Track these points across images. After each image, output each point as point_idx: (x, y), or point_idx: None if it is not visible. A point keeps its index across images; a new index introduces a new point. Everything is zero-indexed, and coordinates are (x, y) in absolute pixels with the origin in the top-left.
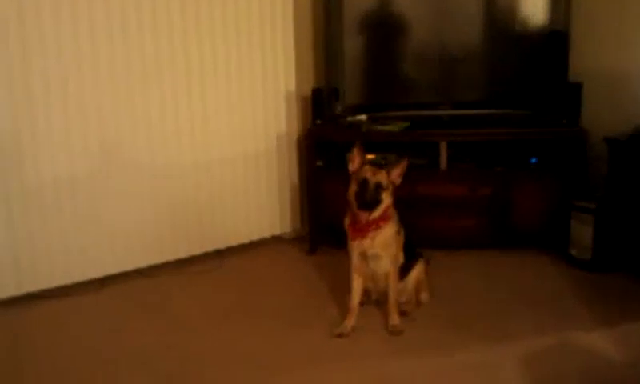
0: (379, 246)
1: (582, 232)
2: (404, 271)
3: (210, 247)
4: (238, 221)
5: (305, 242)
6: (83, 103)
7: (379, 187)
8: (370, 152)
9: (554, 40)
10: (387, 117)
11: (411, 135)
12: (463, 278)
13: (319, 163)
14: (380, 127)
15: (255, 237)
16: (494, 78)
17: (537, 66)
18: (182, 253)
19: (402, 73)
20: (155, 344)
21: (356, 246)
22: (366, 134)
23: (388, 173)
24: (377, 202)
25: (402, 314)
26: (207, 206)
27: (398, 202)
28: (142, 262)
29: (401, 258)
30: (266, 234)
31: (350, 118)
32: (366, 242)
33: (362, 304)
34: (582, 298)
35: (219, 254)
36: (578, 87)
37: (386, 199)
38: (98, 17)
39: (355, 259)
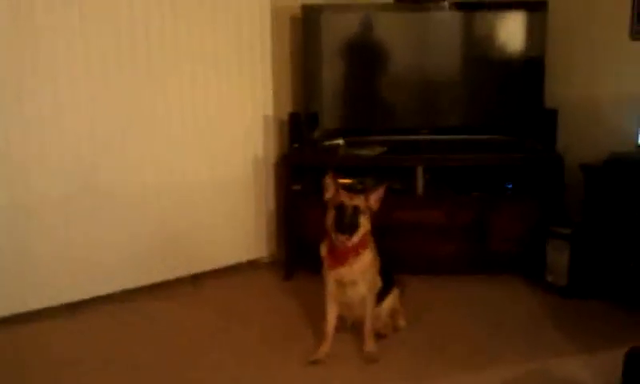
0: (357, 272)
1: (558, 258)
2: (379, 297)
3: (185, 272)
4: (214, 245)
5: (281, 267)
6: (59, 125)
7: (357, 211)
8: (347, 176)
9: (531, 67)
10: (365, 141)
11: (388, 160)
12: (440, 304)
13: (296, 187)
14: (357, 151)
15: (231, 261)
16: (471, 104)
17: (513, 92)
18: (157, 277)
19: (380, 98)
20: (129, 369)
21: (333, 274)
22: (343, 158)
23: (366, 197)
24: (355, 226)
25: (380, 336)
26: (183, 230)
27: (374, 228)
28: (116, 287)
29: (378, 283)
30: (242, 258)
31: (327, 143)
32: (344, 270)
33: (337, 330)
34: (558, 325)
35: (195, 278)
36: (553, 113)
37: (365, 224)
38: (77, 42)
39: (331, 286)
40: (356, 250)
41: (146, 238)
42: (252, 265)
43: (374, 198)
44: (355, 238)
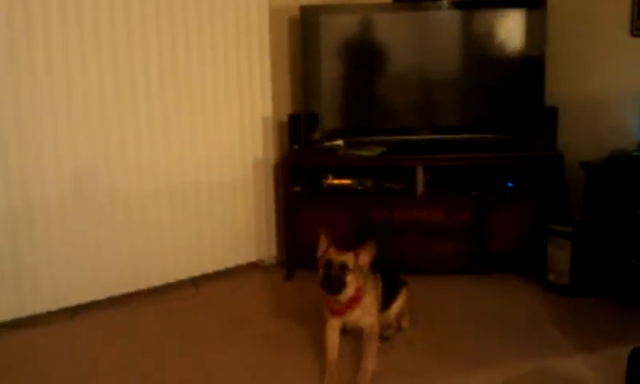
0: (358, 315)
1: (560, 256)
2: (388, 301)
3: (185, 274)
4: (214, 247)
5: (282, 268)
6: (57, 129)
7: (344, 268)
8: (347, 177)
9: (530, 65)
10: (365, 142)
11: (388, 160)
12: (441, 304)
13: (296, 189)
14: (357, 152)
15: (231, 263)
16: (471, 103)
17: (514, 91)
18: (158, 281)
19: (380, 98)
20: (130, 373)
21: (336, 321)
22: (343, 159)
23: (355, 254)
24: (342, 284)
25: (383, 338)
26: (182, 233)
27: (375, 227)
28: (117, 291)
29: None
30: (243, 260)
31: (327, 144)
32: (346, 316)
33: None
34: (560, 323)
35: (195, 281)
36: (553, 112)
37: (353, 282)
38: (73, 42)
39: (333, 331)
40: (351, 306)
41: (146, 242)
42: (253, 266)
43: (364, 255)
44: (343, 298)
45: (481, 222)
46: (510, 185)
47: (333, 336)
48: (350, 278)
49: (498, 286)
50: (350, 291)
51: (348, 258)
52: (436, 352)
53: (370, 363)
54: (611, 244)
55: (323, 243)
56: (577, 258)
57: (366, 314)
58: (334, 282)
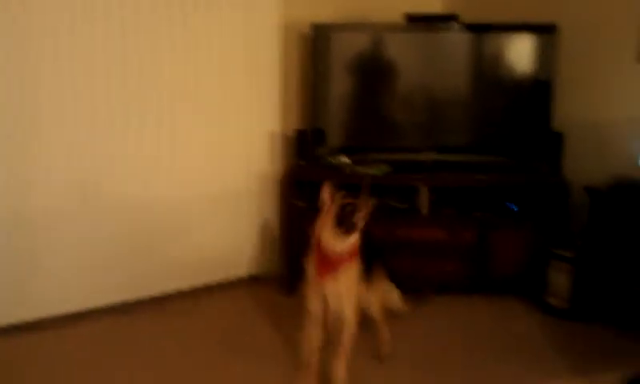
0: (343, 288)
1: (560, 280)
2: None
3: (185, 285)
4: (216, 259)
5: (283, 282)
6: (59, 137)
7: (355, 209)
8: (352, 195)
9: (538, 89)
10: (371, 159)
11: (393, 179)
12: (440, 324)
13: (301, 204)
14: (363, 170)
15: (232, 276)
16: (478, 125)
17: (520, 113)
18: (157, 290)
19: (387, 116)
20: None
21: (318, 289)
22: (349, 176)
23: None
24: (354, 225)
25: (379, 359)
26: (185, 243)
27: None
28: (115, 299)
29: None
30: (244, 273)
31: (333, 160)
32: (331, 284)
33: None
34: (559, 348)
35: (195, 292)
36: (559, 136)
37: (360, 225)
38: (77, 53)
39: (314, 304)
40: (349, 259)
41: (147, 251)
42: (253, 280)
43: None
44: (352, 238)
45: (483, 244)
46: (513, 207)
47: (316, 331)
48: (358, 220)
49: (497, 307)
50: (354, 238)
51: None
52: (433, 373)
53: (347, 345)
54: (613, 270)
55: (327, 191)
56: (577, 283)
57: (349, 291)
58: (348, 220)
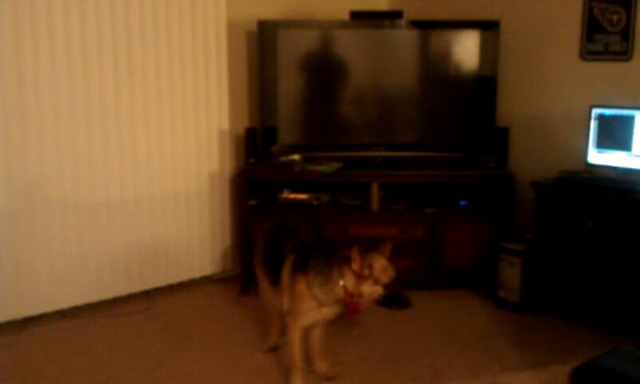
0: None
1: (511, 274)
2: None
3: (137, 288)
4: (167, 260)
5: (236, 282)
6: (7, 138)
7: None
8: (303, 192)
9: (484, 85)
10: (322, 157)
11: (343, 175)
12: (394, 319)
13: (252, 202)
14: (313, 167)
15: (185, 277)
16: (426, 121)
17: (466, 109)
18: (109, 293)
19: (337, 114)
20: None
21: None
22: (299, 173)
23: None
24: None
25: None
26: (135, 245)
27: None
28: (65, 303)
29: None
30: (196, 274)
31: (283, 158)
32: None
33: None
34: (511, 340)
35: (147, 294)
36: (505, 131)
37: None
38: (26, 51)
39: (308, 319)
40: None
41: (97, 254)
42: (207, 280)
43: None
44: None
45: (434, 239)
46: (463, 202)
47: (300, 340)
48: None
49: (450, 301)
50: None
51: (390, 264)
52: (389, 367)
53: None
54: (560, 262)
55: (357, 258)
56: (527, 276)
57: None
58: (406, 297)
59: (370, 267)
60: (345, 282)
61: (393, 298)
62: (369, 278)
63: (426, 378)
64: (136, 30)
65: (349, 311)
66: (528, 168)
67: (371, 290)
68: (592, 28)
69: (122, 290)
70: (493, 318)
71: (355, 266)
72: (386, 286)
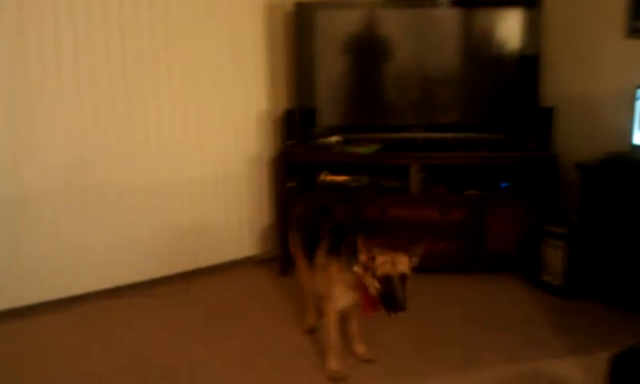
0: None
1: (554, 257)
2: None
3: (179, 269)
4: (207, 242)
5: (275, 263)
6: (53, 120)
7: (404, 279)
8: (342, 174)
9: (526, 64)
10: (361, 138)
11: (382, 157)
12: (433, 303)
13: (291, 184)
14: (352, 149)
15: (225, 258)
16: (467, 102)
17: (510, 89)
18: (151, 274)
19: (376, 95)
20: (117, 366)
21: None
22: (338, 155)
23: (410, 256)
24: (405, 298)
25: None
26: (177, 227)
27: (369, 224)
28: (109, 283)
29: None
30: (237, 255)
31: (322, 140)
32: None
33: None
34: (553, 325)
35: (187, 276)
36: (549, 112)
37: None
38: (65, 37)
39: (342, 303)
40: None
41: (139, 236)
42: (247, 261)
43: (417, 256)
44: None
45: (475, 222)
46: (505, 184)
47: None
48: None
49: (491, 285)
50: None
51: (403, 265)
52: (427, 352)
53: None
54: (606, 246)
55: (362, 249)
56: (571, 260)
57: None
58: (400, 299)
59: (373, 260)
60: (358, 269)
61: (385, 296)
62: (370, 270)
63: (464, 363)
64: (175, 12)
65: (362, 300)
66: (573, 149)
67: (370, 283)
68: (638, 5)
69: (164, 271)
70: (534, 302)
71: (362, 256)
72: (380, 282)
